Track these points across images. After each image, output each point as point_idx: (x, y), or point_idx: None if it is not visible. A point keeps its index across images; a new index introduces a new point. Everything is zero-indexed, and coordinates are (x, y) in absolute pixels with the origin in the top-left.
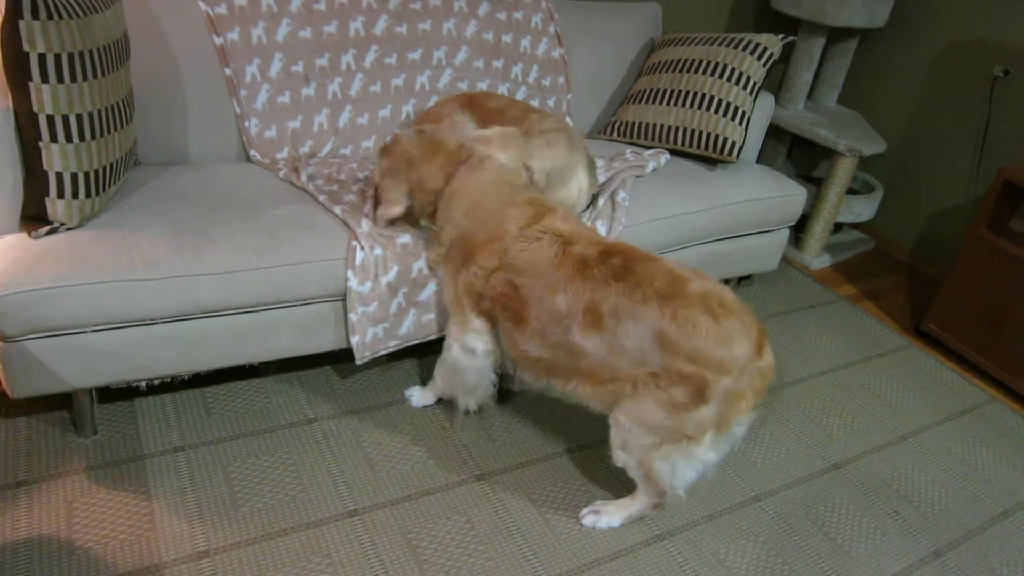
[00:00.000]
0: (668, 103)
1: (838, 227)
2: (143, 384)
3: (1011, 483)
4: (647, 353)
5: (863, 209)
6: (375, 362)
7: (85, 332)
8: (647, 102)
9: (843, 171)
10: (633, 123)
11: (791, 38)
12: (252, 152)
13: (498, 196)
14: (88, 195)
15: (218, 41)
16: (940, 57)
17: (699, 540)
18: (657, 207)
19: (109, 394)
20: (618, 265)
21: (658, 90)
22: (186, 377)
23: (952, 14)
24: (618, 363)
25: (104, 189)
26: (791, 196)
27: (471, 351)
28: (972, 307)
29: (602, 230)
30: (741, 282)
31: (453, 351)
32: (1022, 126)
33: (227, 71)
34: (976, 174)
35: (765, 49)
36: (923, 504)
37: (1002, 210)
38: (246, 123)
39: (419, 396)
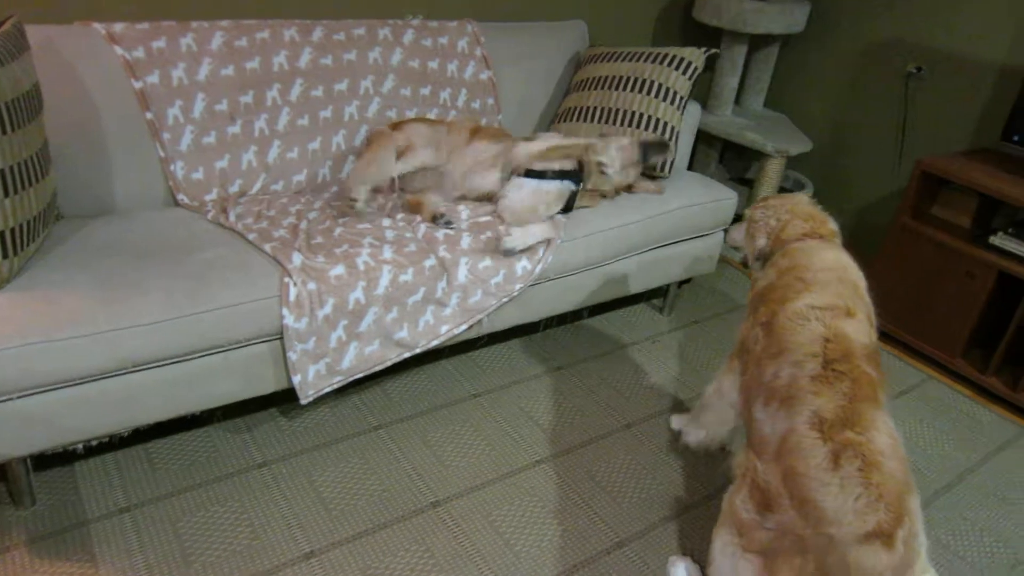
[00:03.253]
0: (598, 121)
1: None
2: (80, 447)
3: (952, 457)
4: (768, 447)
5: None
6: (323, 399)
7: (12, 399)
8: (578, 120)
9: (773, 171)
10: None
11: (714, 50)
12: (180, 196)
13: (823, 270)
14: (5, 256)
15: (137, 85)
16: (857, 57)
17: (658, 541)
18: (592, 222)
19: (45, 460)
20: (847, 385)
21: (588, 108)
22: (125, 434)
23: (866, 16)
24: (754, 440)
25: (22, 248)
26: (722, 201)
27: (719, 390)
28: (903, 292)
29: (540, 247)
30: (682, 286)
31: (708, 389)
32: (935, 119)
33: (148, 115)
34: (898, 166)
35: (690, 63)
36: None
37: (923, 199)
38: (171, 167)
39: (679, 423)
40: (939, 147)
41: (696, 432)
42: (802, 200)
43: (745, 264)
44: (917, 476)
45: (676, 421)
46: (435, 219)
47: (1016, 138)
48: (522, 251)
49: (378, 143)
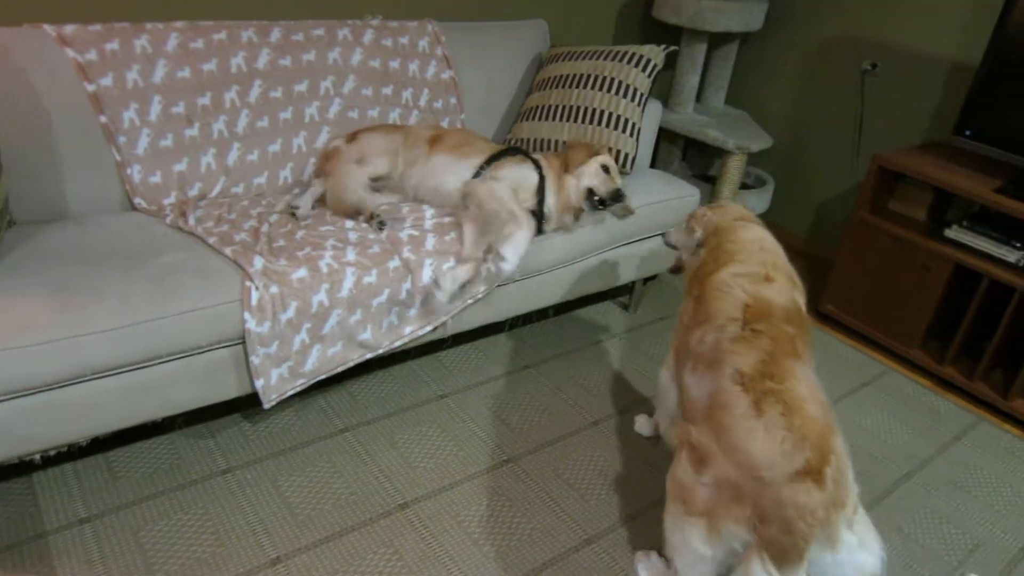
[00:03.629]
0: (561, 119)
1: None
2: (38, 457)
3: (911, 446)
4: (698, 409)
5: (757, 202)
6: (287, 402)
7: None
8: (540, 119)
9: (734, 168)
10: (528, 140)
11: (672, 48)
12: (137, 200)
13: (746, 242)
14: None
15: (90, 88)
16: (815, 54)
17: (626, 537)
18: None
19: (1, 472)
20: (766, 340)
21: (550, 106)
22: (84, 443)
23: (822, 14)
24: (685, 406)
25: None
26: (685, 197)
27: (670, 371)
28: (863, 285)
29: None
30: (647, 283)
31: (661, 373)
32: (890, 114)
33: (103, 118)
34: (855, 161)
35: (649, 61)
36: None
37: (880, 193)
38: (128, 170)
39: (640, 423)
40: (895, 142)
41: (649, 423)
42: (736, 205)
43: (676, 271)
44: (878, 466)
45: (639, 424)
46: (371, 219)
47: (968, 132)
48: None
49: (337, 167)
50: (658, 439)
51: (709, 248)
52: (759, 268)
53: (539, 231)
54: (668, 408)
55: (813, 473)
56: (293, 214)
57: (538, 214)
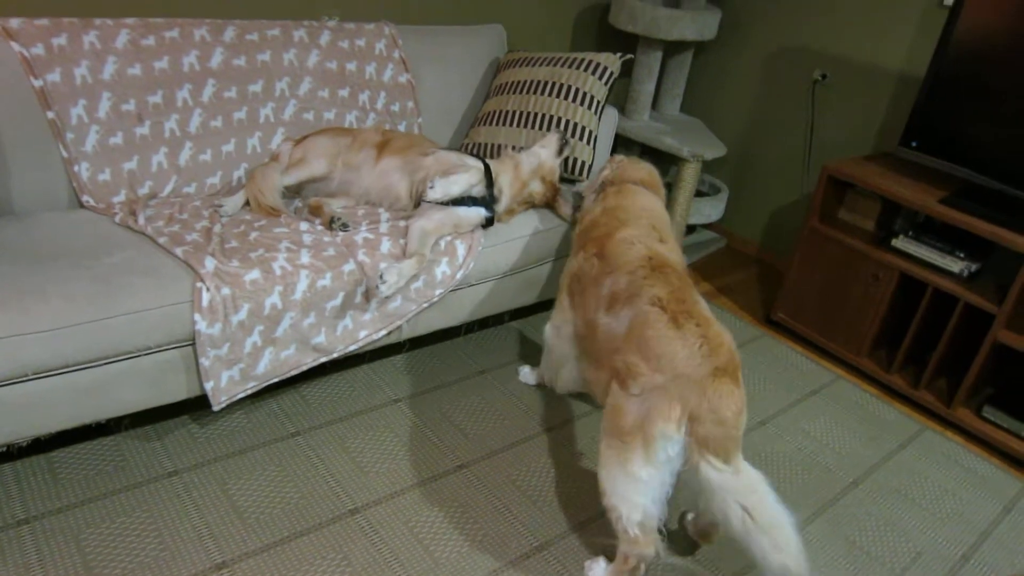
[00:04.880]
0: (518, 125)
1: (691, 228)
2: None
3: (859, 453)
4: (618, 339)
5: (712, 210)
6: (237, 405)
7: None
8: (497, 124)
9: (689, 175)
10: (485, 145)
11: (628, 56)
12: (85, 198)
13: (638, 211)
14: None
15: (37, 83)
16: (767, 64)
17: (576, 544)
18: (511, 228)
19: None
20: (673, 277)
21: (507, 112)
22: (25, 444)
23: (775, 25)
24: (604, 345)
25: None
26: None
27: (557, 328)
28: (813, 294)
29: (460, 251)
30: None
31: (546, 329)
32: (841, 124)
33: (50, 114)
34: (807, 170)
35: (605, 68)
36: (782, 483)
37: (830, 203)
38: (76, 167)
39: (526, 373)
40: (845, 152)
41: (534, 373)
42: (647, 164)
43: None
44: (826, 473)
45: (524, 374)
46: (332, 222)
47: (914, 143)
48: (394, 292)
49: (267, 163)
50: (540, 387)
51: (604, 207)
52: (652, 231)
53: (489, 220)
54: (556, 357)
55: (730, 372)
56: (217, 211)
57: (488, 199)
